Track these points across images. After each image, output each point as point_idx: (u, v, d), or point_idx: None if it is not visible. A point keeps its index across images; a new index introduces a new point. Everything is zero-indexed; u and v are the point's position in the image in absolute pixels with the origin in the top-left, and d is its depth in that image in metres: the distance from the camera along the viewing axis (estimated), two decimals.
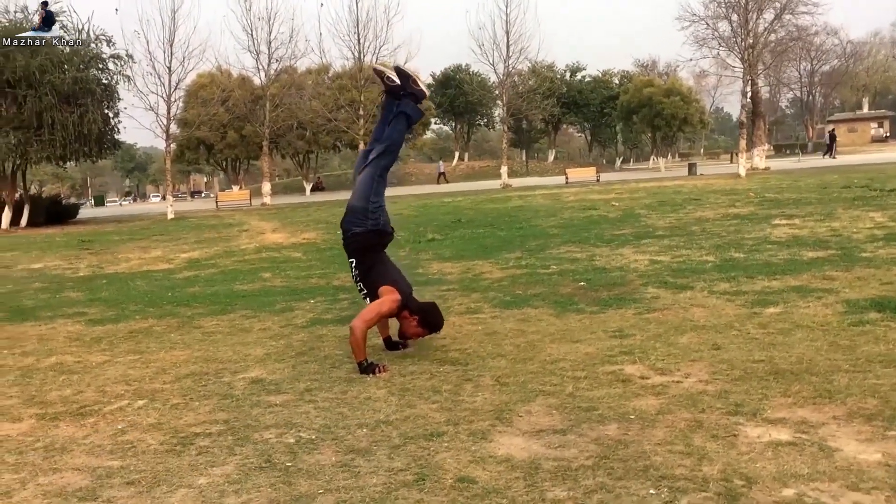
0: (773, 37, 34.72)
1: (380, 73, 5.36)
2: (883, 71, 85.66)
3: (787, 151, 67.77)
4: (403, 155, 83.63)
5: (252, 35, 35.85)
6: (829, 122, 74.58)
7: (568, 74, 66.36)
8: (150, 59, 30.76)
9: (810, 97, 77.87)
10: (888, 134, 76.32)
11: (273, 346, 5.65)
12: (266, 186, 38.36)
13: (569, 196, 23.13)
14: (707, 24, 34.72)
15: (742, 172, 29.36)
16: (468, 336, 5.54)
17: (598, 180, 36.63)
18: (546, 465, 3.05)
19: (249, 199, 39.93)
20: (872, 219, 11.05)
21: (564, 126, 73.78)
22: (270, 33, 35.93)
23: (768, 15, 34.00)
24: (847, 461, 2.91)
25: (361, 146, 35.34)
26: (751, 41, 32.24)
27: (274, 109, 38.47)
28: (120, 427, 3.91)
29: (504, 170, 38.24)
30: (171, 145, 35.40)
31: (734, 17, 33.00)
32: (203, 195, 68.16)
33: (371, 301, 5.01)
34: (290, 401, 4.18)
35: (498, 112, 69.34)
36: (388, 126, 5.29)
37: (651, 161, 59.51)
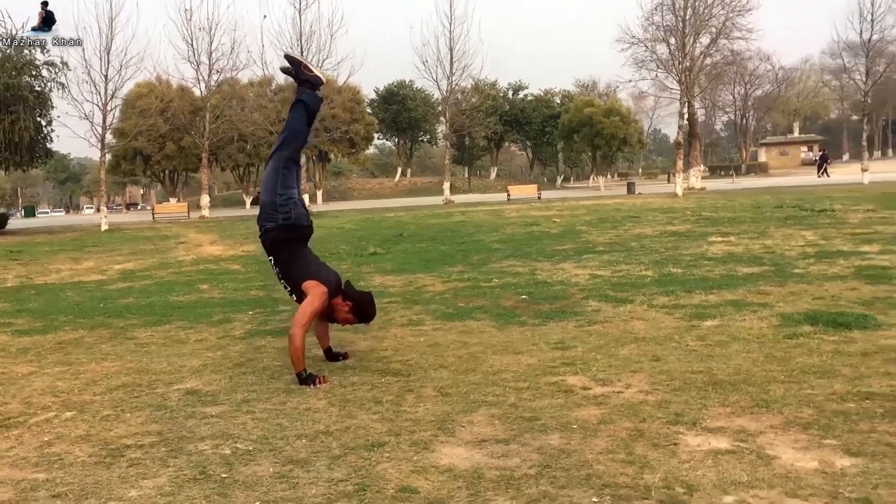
0: (709, 60, 35.63)
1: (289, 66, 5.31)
2: (813, 96, 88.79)
3: (722, 173, 69.49)
4: (346, 170, 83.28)
5: (192, 45, 35.42)
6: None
7: (510, 93, 67.10)
8: (87, 67, 30.06)
9: (744, 120, 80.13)
10: (815, 157, 78.88)
11: (209, 357, 5.51)
12: (205, 199, 37.75)
13: (510, 212, 23.31)
14: (646, 46, 35.55)
15: (679, 192, 30.00)
16: (410, 347, 5.48)
17: (539, 198, 37.03)
18: (489, 475, 3.01)
19: (187, 212, 39.26)
20: (804, 237, 11.36)
21: (507, 144, 74.40)
22: (211, 44, 35.61)
23: (705, 39, 34.97)
24: (785, 469, 2.94)
25: (303, 160, 35.13)
26: (688, 64, 33.05)
27: (214, 121, 37.98)
28: (46, 439, 3.75)
29: (447, 186, 38.35)
30: (107, 155, 34.53)
31: (672, 41, 33.84)
32: (139, 207, 66.63)
33: (298, 299, 4.87)
34: (226, 412, 4.07)
35: (441, 129, 69.69)
36: (288, 118, 5.22)
37: (591, 180, 60.45)
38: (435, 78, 38.06)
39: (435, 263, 10.88)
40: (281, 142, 5.11)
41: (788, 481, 2.82)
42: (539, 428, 3.57)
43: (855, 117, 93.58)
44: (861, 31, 33.94)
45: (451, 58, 37.47)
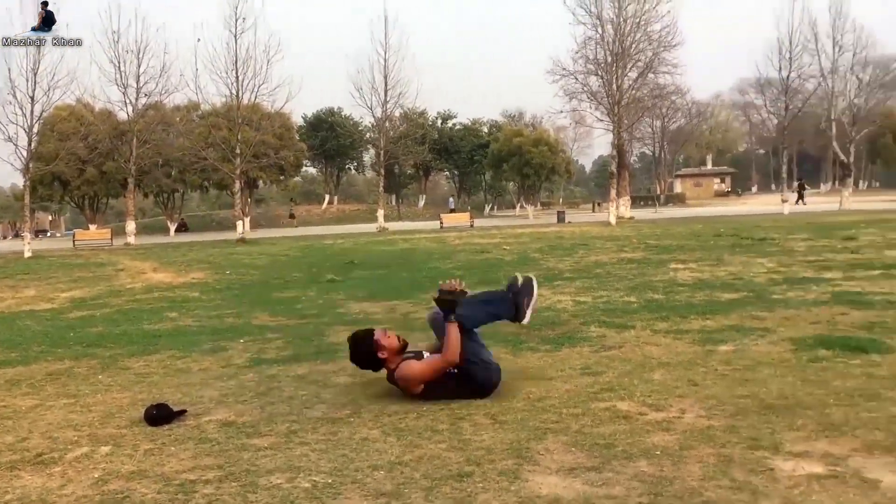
0: (637, 93, 36.64)
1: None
2: (724, 130, 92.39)
3: (642, 203, 71.30)
4: (268, 198, 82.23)
5: (119, 68, 34.41)
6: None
7: (439, 122, 67.53)
8: (12, 88, 28.84)
9: (661, 152, 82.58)
10: (729, 189, 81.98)
11: (224, 387, 5.26)
12: (130, 225, 36.58)
13: (453, 240, 23.33)
14: (576, 78, 36.34)
15: (613, 220, 30.62)
16: None
17: (471, 226, 37.22)
18: None
19: (111, 239, 37.95)
20: (762, 264, 11.69)
21: (434, 172, 74.78)
22: (140, 66, 34.63)
23: (632, 73, 35.94)
24: (894, 491, 2.95)
25: (237, 185, 34.57)
26: (618, 97, 33.92)
27: (141, 146, 36.92)
28: (97, 476, 3.49)
29: (381, 213, 38.25)
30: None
31: (602, 74, 34.68)
32: (48, 234, 63.87)
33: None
34: (278, 444, 3.88)
35: (368, 156, 69.55)
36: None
37: (517, 209, 61.13)
38: (369, 105, 38.09)
39: (406, 291, 10.74)
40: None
41: None
42: (622, 455, 3.50)
43: (762, 151, 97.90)
44: (780, 69, 35.57)
45: (386, 85, 37.58)
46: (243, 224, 35.46)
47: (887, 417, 3.87)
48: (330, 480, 3.31)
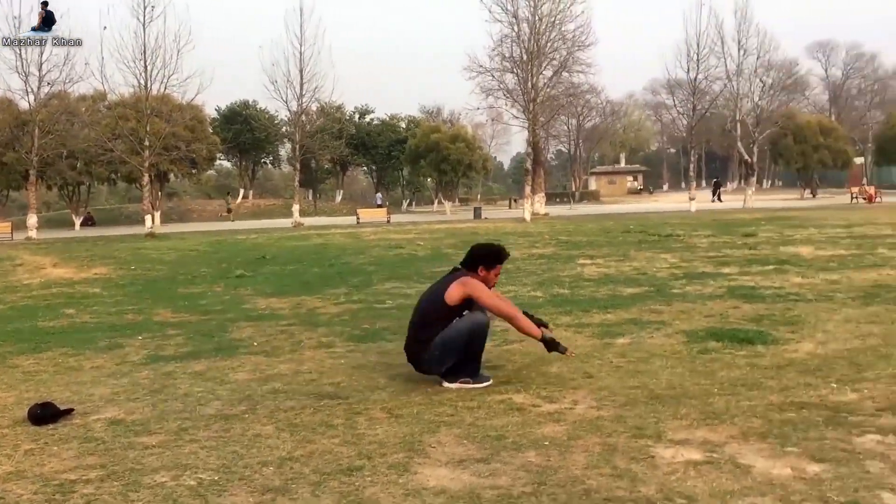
0: (552, 91, 37.18)
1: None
2: (637, 129, 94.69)
3: (558, 200, 72.44)
4: (181, 191, 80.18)
5: (21, 55, 32.95)
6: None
7: (357, 116, 67.06)
8: None
9: (577, 150, 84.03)
10: (642, 186, 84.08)
11: (117, 385, 5.11)
12: (32, 219, 35.07)
13: (368, 235, 23.25)
14: (493, 75, 36.65)
15: (527, 217, 31.03)
16: (334, 370, 5.33)
17: (388, 221, 37.12)
18: (486, 495, 2.98)
19: (11, 233, 36.34)
20: (665, 259, 12.05)
21: (352, 168, 74.25)
22: (42, 54, 33.20)
23: (548, 71, 36.45)
24: (765, 476, 3.08)
25: (145, 178, 33.57)
26: (533, 94, 34.37)
27: (43, 136, 35.45)
28: None
29: (296, 208, 37.77)
30: None
31: (518, 72, 35.08)
32: None
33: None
34: (167, 441, 3.80)
35: (284, 150, 68.49)
36: None
37: (435, 204, 61.28)
38: (284, 99, 37.53)
39: (315, 286, 10.65)
40: None
41: (775, 488, 2.96)
42: (511, 446, 3.56)
43: (672, 150, 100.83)
44: (688, 70, 36.65)
45: (301, 79, 37.10)
46: (153, 218, 34.47)
47: (765, 406, 4.05)
48: (216, 478, 3.26)
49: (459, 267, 5.05)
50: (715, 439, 3.56)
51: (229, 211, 54.34)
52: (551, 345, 4.69)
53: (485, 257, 5.00)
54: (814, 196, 50.64)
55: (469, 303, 4.82)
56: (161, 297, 10.06)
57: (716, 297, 7.99)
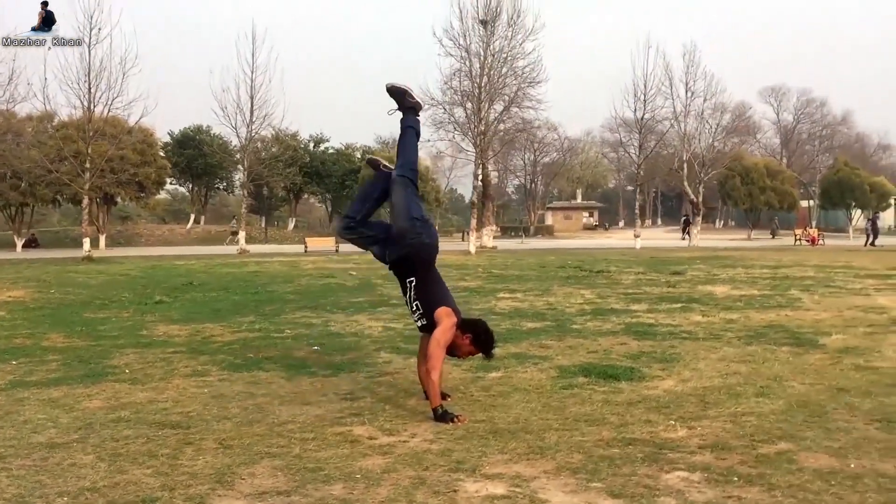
0: (502, 126, 37.56)
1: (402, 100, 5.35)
2: (594, 166, 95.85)
3: (513, 233, 72.94)
4: (135, 216, 79.14)
5: None
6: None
7: (311, 145, 66.98)
8: None
9: (533, 185, 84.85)
10: (597, 223, 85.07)
11: None
12: None
13: (307, 264, 23.13)
14: (444, 108, 36.91)
15: (472, 249, 31.14)
16: (192, 398, 5.26)
17: (337, 251, 36.96)
18: None
19: None
20: (583, 295, 12.16)
21: (306, 195, 73.99)
22: None
23: (498, 106, 36.85)
24: None
25: (85, 201, 33.04)
26: (483, 128, 34.68)
27: None
28: None
29: (242, 235, 37.40)
30: None
31: (468, 105, 35.40)
32: None
33: (426, 325, 4.92)
34: None
35: (238, 176, 68.06)
36: (400, 145, 5.30)
37: None
38: (234, 125, 37.33)
39: (225, 313, 10.54)
40: (403, 169, 5.19)
41: None
42: (322, 479, 3.54)
43: (630, 187, 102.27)
44: (635, 110, 37.31)
45: (252, 105, 36.98)
46: (90, 242, 33.82)
47: (594, 441, 4.08)
48: None
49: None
50: (527, 474, 3.57)
51: (234, 234, 53.18)
52: (442, 417, 4.59)
53: (483, 342, 5.03)
54: (773, 237, 51.61)
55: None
56: (61, 322, 9.86)
57: (610, 334, 8.07)
